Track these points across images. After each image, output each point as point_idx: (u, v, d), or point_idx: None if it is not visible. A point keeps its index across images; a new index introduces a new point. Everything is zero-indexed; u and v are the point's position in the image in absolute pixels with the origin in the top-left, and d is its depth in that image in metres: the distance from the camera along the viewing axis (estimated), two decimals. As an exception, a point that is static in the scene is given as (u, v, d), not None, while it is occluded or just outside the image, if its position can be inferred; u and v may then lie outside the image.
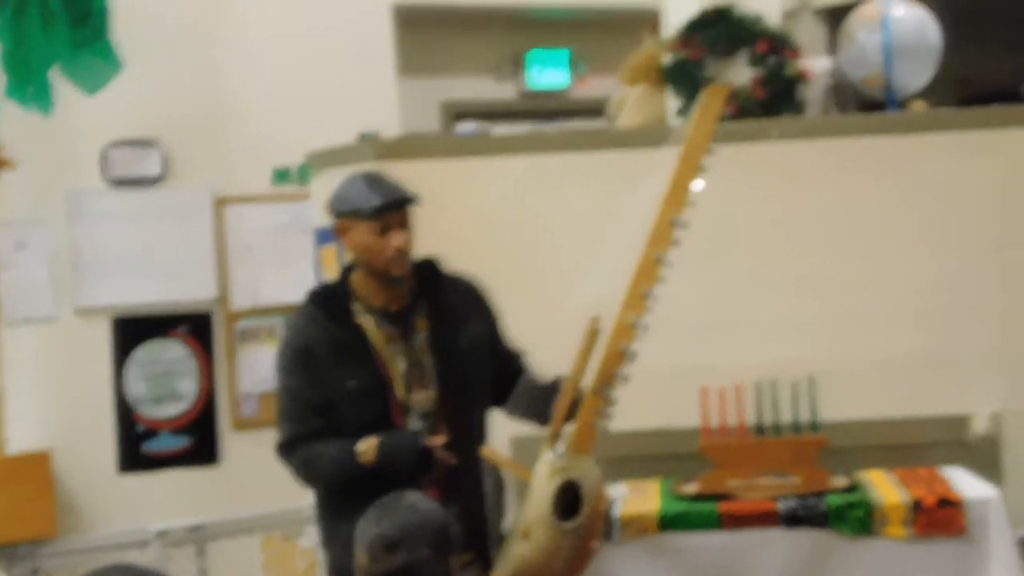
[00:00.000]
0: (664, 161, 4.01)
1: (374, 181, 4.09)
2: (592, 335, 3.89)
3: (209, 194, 6.76)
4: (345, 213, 4.07)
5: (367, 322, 4.07)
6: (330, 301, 4.13)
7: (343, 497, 4.02)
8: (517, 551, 3.83)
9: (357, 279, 4.12)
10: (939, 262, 5.19)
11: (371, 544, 3.27)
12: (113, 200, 6.56)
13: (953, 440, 5.05)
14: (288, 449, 4.11)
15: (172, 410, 6.64)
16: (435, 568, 3.27)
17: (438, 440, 3.97)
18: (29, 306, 6.25)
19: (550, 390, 4.03)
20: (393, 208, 4.02)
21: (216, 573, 5.35)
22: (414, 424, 4.03)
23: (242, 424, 6.66)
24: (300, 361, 4.08)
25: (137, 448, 6.53)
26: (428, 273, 4.20)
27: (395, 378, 4.04)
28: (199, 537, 5.29)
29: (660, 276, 3.93)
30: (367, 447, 3.95)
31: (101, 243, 6.53)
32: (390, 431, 3.99)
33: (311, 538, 4.51)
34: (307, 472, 4.10)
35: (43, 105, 5.80)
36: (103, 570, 2.67)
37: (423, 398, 4.06)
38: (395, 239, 4.01)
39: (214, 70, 6.83)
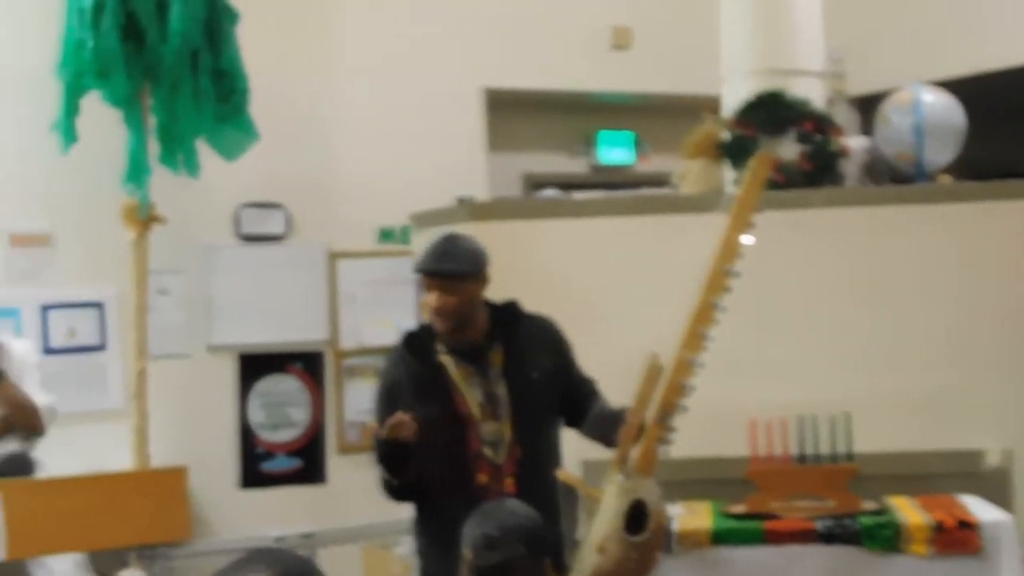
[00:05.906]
0: (717, 222, 3.99)
1: (438, 247, 4.06)
2: (653, 370, 3.85)
3: (324, 250, 6.82)
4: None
5: (447, 360, 4.06)
6: (416, 342, 4.14)
7: (433, 520, 4.06)
8: (592, 562, 3.81)
9: None
10: (959, 313, 5.17)
11: (475, 541, 3.34)
12: (242, 254, 6.64)
13: (968, 472, 5.03)
14: None
15: (286, 435, 6.70)
16: (528, 564, 3.33)
17: (393, 422, 3.83)
18: (169, 343, 6.31)
19: (617, 418, 3.96)
20: (429, 275, 4.01)
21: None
22: (487, 451, 3.98)
23: (346, 448, 6.71)
24: (387, 395, 4.12)
25: (256, 467, 6.62)
26: (507, 313, 4.17)
27: (472, 408, 4.01)
28: (310, 543, 5.32)
29: (715, 319, 3.90)
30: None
31: (230, 291, 6.60)
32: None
33: (405, 547, 4.47)
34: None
35: (191, 170, 5.81)
36: (259, 550, 2.53)
37: (493, 428, 4.01)
38: (431, 300, 4.01)
39: (330, 144, 6.92)
